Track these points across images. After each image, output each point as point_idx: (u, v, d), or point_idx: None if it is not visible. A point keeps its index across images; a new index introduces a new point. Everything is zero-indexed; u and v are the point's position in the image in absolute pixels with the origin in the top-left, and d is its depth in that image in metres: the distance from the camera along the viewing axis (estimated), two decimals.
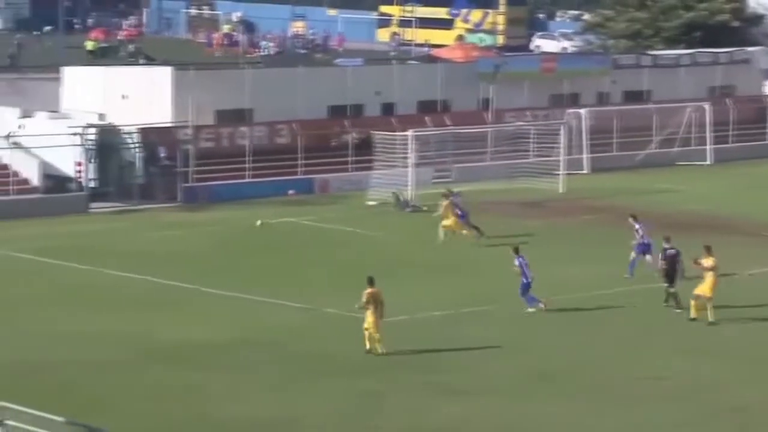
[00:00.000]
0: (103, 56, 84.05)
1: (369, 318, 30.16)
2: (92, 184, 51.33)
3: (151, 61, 78.56)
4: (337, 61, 75.63)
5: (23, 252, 41.65)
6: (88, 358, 29.93)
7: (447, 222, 43.97)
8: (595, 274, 38.93)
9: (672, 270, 35.04)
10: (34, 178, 50.86)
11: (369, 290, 30.32)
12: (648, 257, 38.61)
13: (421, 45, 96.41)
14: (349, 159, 56.44)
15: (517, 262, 34.60)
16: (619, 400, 27.94)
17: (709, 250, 34.13)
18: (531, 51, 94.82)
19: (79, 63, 69.02)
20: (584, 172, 59.70)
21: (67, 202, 49.84)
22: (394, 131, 54.53)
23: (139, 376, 28.79)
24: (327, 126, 58.14)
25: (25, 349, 30.54)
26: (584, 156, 60.48)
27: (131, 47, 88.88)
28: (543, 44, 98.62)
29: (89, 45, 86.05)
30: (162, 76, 56.54)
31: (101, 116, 54.03)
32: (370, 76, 63.19)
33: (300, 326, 32.54)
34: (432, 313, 34.51)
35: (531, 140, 57.98)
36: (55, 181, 51.14)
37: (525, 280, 34.50)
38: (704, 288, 33.79)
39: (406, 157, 53.07)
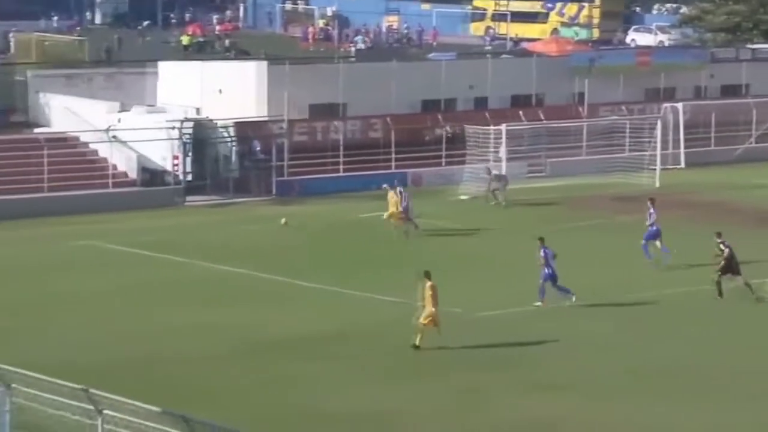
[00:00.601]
0: (198, 51, 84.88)
1: (426, 311, 30.16)
2: (188, 178, 51.96)
3: (245, 55, 79.15)
4: (431, 55, 75.65)
5: (122, 245, 42.26)
6: (193, 351, 30.27)
7: (388, 212, 44.65)
8: (683, 270, 38.61)
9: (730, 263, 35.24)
10: (132, 172, 51.58)
11: (430, 283, 30.41)
12: (657, 243, 39.32)
13: (515, 39, 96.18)
14: (442, 153, 56.51)
15: (542, 253, 34.39)
16: (718, 397, 27.69)
17: None
18: (626, 45, 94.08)
19: (176, 58, 69.86)
20: (680, 166, 59.21)
21: (164, 195, 50.47)
22: (487, 125, 54.51)
23: (244, 369, 29.03)
24: (420, 120, 58.23)
25: (131, 342, 30.94)
26: (681, 151, 59.97)
27: (227, 42, 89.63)
28: (638, 38, 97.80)
29: (184, 40, 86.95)
30: (257, 70, 57.00)
31: (197, 110, 54.60)
32: (464, 70, 63.14)
33: (396, 320, 32.59)
34: (523, 308, 34.44)
35: (626, 134, 57.71)
36: (152, 175, 51.80)
37: (548, 271, 34.25)
38: None
39: (498, 152, 53.06)
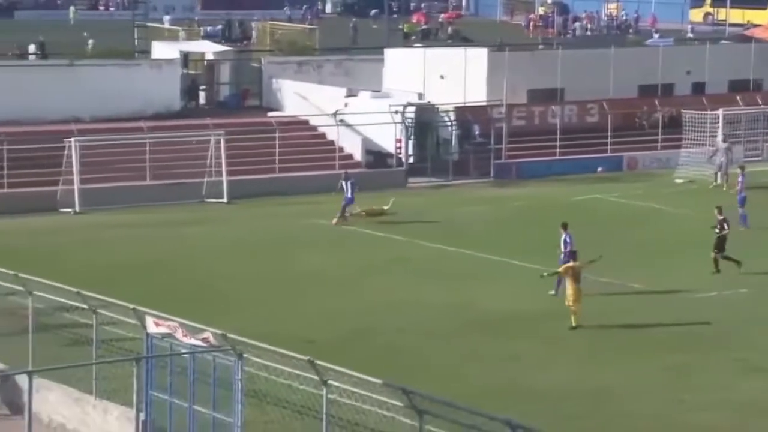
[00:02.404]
0: (422, 38, 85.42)
1: (569, 291, 30.32)
2: (410, 160, 52.52)
3: (467, 42, 79.34)
4: (648, 41, 74.53)
5: (348, 224, 43.04)
6: (414, 325, 30.69)
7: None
8: None
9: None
10: (358, 154, 52.42)
11: (570, 264, 30.78)
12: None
13: (736, 25, 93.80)
14: (658, 137, 55.76)
15: (567, 239, 32.99)
16: None
17: None
18: None
19: (400, 45, 70.50)
20: None
21: (388, 176, 51.09)
22: (704, 110, 53.54)
23: (459, 344, 29.32)
24: (637, 105, 57.57)
25: (357, 316, 31.49)
26: None
27: (450, 29, 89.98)
28: None
29: (406, 28, 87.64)
30: (477, 56, 57.16)
31: (420, 95, 55.11)
32: (681, 55, 62.11)
33: (604, 300, 32.46)
34: (737, 290, 33.84)
35: None
36: (376, 157, 52.55)
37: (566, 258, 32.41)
38: None
39: (715, 136, 52.08)
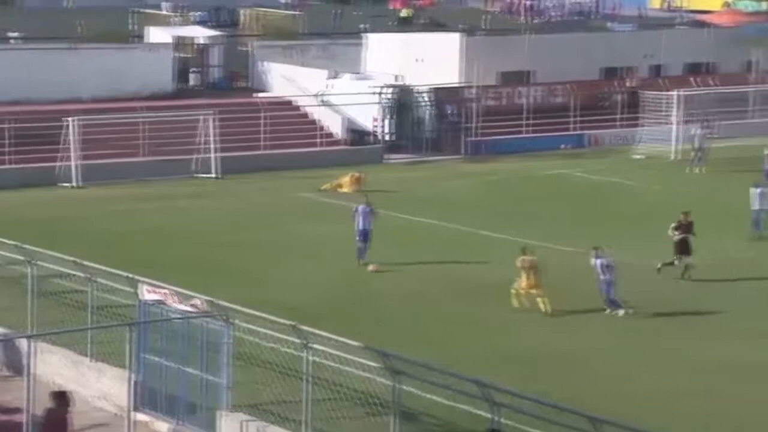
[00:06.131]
0: (403, 24, 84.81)
1: (522, 282, 29.09)
2: (388, 138, 52.38)
3: (442, 27, 78.90)
4: (611, 26, 74.38)
5: (328, 197, 42.87)
6: (394, 292, 30.50)
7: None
8: None
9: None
10: (339, 132, 52.25)
11: (522, 257, 29.38)
12: None
13: (693, 11, 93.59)
14: (618, 116, 55.75)
15: (597, 263, 28.96)
16: None
17: None
18: None
19: (382, 30, 70.09)
20: None
21: (367, 153, 50.97)
22: (662, 91, 53.61)
23: (437, 309, 29.11)
24: (599, 86, 57.53)
25: (341, 283, 31.30)
26: None
27: (425, 17, 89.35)
28: None
29: (404, 13, 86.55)
30: (452, 41, 56.98)
31: (398, 77, 54.93)
32: (641, 40, 62.04)
33: (573, 269, 32.31)
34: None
35: None
36: (357, 135, 52.41)
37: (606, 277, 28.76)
38: None
39: (671, 115, 52.17)
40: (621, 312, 28.48)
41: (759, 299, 30.33)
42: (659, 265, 31.59)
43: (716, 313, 29.16)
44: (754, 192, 36.69)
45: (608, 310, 28.64)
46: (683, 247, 31.55)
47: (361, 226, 32.85)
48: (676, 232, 31.74)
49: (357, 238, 32.86)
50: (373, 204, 33.73)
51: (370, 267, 32.31)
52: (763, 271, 32.45)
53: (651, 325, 28.06)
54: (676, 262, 31.48)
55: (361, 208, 33.21)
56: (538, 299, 28.99)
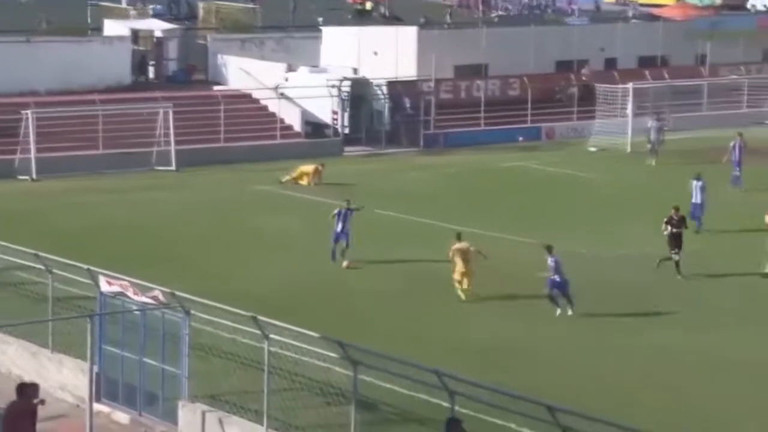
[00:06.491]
0: (359, 17, 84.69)
1: (457, 268, 29.32)
2: (346, 131, 52.37)
3: (399, 21, 78.94)
4: (567, 20, 74.71)
5: (288, 189, 42.87)
6: (351, 283, 30.60)
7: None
8: None
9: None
10: (297, 125, 52.18)
11: (455, 246, 29.59)
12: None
13: (643, 5, 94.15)
14: (574, 109, 56.05)
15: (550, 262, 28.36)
16: None
17: None
18: (747, 10, 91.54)
19: (337, 23, 70.05)
20: None
21: (324, 145, 50.92)
22: (616, 84, 53.95)
23: (395, 301, 29.18)
24: (554, 79, 57.77)
25: (299, 275, 31.20)
26: None
27: (383, 9, 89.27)
28: (758, 2, 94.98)
29: (367, 5, 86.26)
30: (408, 35, 57.02)
31: (354, 70, 54.89)
32: (595, 33, 62.37)
33: (527, 259, 32.53)
34: (642, 250, 33.94)
35: (744, 92, 56.62)
36: (314, 128, 52.36)
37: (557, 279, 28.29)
38: None
39: (625, 108, 52.49)
40: (558, 311, 28.00)
41: (708, 291, 30.62)
42: (658, 261, 31.51)
43: (670, 305, 29.46)
44: (695, 185, 36.60)
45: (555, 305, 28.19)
46: (677, 241, 31.52)
47: (339, 229, 32.42)
48: (668, 227, 31.63)
49: (333, 240, 32.45)
50: (355, 205, 33.33)
51: (345, 263, 32.08)
52: (707, 264, 32.55)
53: (602, 316, 28.26)
54: (674, 257, 31.34)
55: (343, 211, 32.70)
56: (459, 284, 29.10)
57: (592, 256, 33.23)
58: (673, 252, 31.44)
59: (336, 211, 32.85)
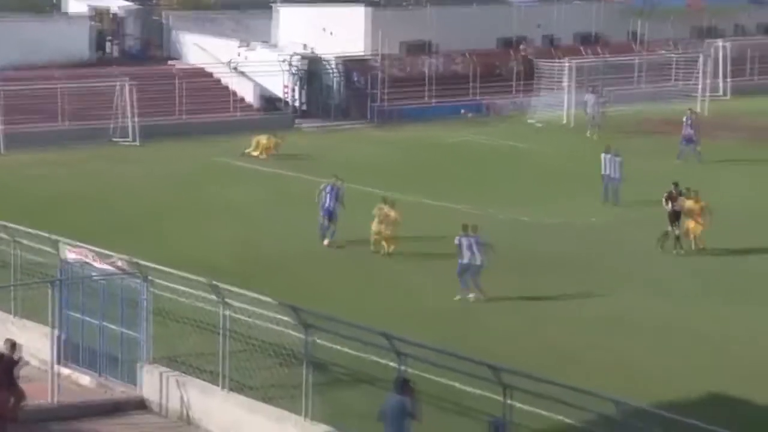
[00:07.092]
0: None
1: (373, 226, 29.95)
2: (298, 105, 52.16)
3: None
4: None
5: (245, 161, 42.62)
6: (305, 251, 30.38)
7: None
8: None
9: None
10: (252, 99, 51.88)
11: (378, 206, 30.19)
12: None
13: None
14: (514, 84, 56.11)
15: (457, 242, 26.68)
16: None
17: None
18: None
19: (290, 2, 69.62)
20: (723, 96, 58.14)
21: (278, 119, 50.70)
22: (554, 60, 54.12)
23: (347, 267, 29.08)
24: (496, 55, 57.83)
25: (258, 244, 31.10)
26: (722, 81, 58.78)
27: None
28: None
29: None
30: (357, 13, 56.79)
31: (305, 47, 54.62)
32: (535, 12, 62.43)
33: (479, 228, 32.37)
34: (588, 218, 34.06)
35: (674, 68, 57.01)
36: (268, 102, 52.10)
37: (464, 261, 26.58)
38: None
39: (563, 83, 52.68)
40: (471, 296, 26.50)
41: (652, 264, 30.70)
42: (659, 237, 30.78)
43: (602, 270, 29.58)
44: (605, 158, 36.07)
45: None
46: (677, 216, 30.93)
47: (326, 205, 31.13)
48: (669, 203, 30.99)
49: (321, 215, 31.17)
50: (341, 182, 31.86)
51: (325, 242, 30.89)
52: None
53: (537, 282, 28.34)
54: (676, 231, 30.75)
55: (329, 187, 31.42)
56: (383, 243, 29.83)
57: (534, 223, 33.30)
58: (673, 226, 30.82)
59: (322, 186, 31.77)
